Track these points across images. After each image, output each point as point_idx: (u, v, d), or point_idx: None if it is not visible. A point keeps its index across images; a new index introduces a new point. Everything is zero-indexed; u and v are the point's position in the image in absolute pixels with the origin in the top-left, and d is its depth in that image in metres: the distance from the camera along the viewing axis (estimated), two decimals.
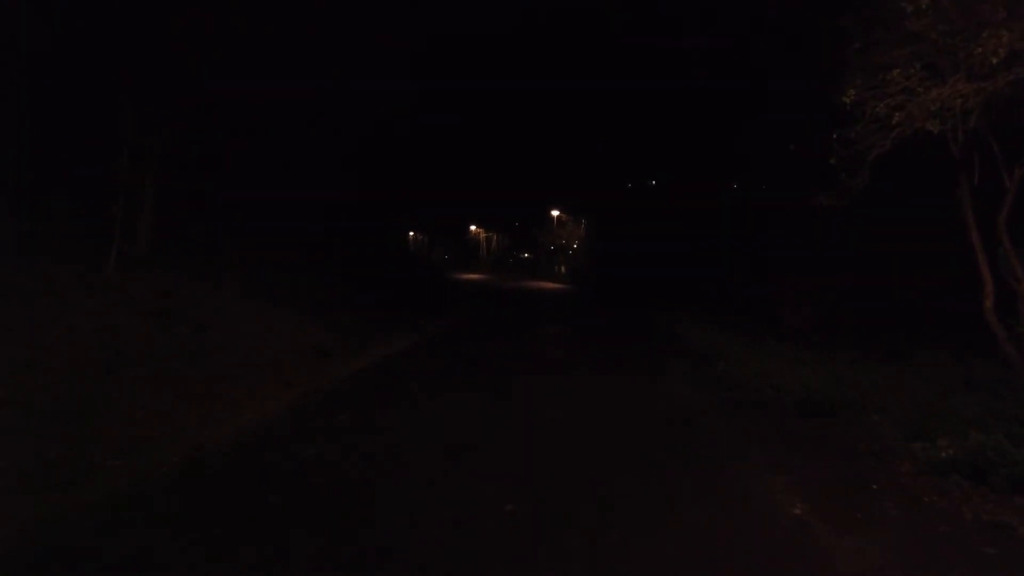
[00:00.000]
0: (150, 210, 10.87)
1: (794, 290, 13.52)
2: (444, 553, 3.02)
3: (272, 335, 10.61)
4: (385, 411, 5.83)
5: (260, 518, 3.32)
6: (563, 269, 46.87)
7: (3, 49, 8.70)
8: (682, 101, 20.54)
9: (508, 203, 55.86)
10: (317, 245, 19.44)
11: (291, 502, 3.53)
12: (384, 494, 3.70)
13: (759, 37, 13.90)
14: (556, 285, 40.33)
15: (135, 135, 9.80)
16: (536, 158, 47.69)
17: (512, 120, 52.33)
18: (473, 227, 71.09)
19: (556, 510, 3.52)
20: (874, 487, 4.02)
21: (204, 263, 12.08)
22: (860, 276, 12.12)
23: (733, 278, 17.37)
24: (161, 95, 10.15)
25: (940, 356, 7.77)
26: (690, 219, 22.65)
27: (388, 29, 19.03)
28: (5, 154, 9.34)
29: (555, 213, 46.59)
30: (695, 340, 11.15)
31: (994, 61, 5.19)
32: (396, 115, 26.27)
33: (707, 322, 14.10)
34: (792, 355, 8.91)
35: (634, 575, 2.87)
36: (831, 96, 6.43)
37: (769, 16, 12.48)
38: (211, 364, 7.53)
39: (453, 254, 75.73)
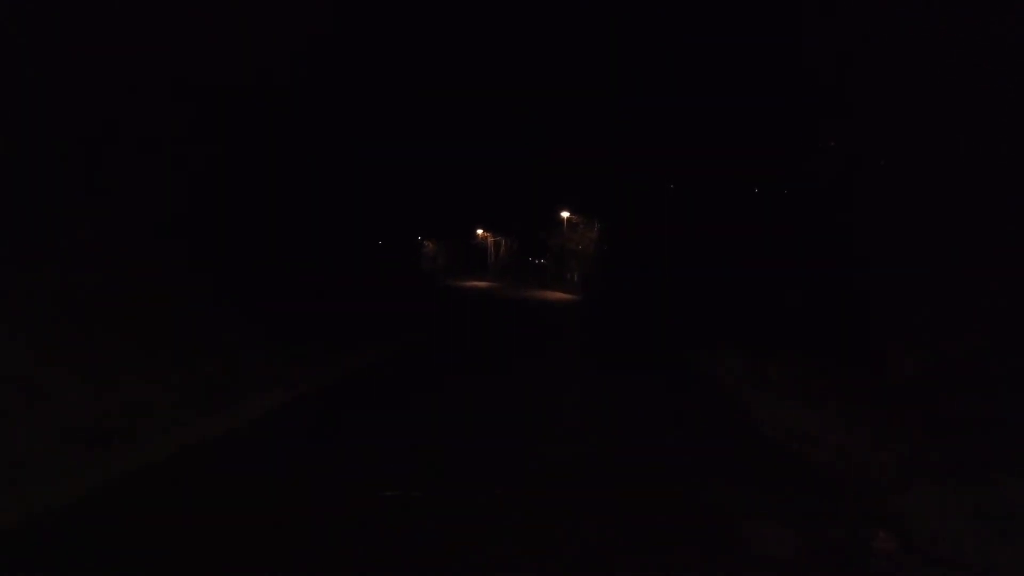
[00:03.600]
0: None
1: (911, 317, 8.96)
2: None
3: (36, 397, 6.21)
4: None
5: None
6: (575, 277, 42.21)
7: None
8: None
9: (516, 204, 51.52)
10: (239, 245, 15.15)
11: None
12: None
13: None
14: (564, 296, 35.67)
15: None
16: (545, 148, 43.32)
17: (517, 110, 48.09)
18: (480, 231, 66.57)
19: None
20: None
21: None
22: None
23: (802, 296, 12.81)
24: None
25: None
26: (735, 210, 18.05)
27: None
28: None
29: (565, 214, 41.90)
30: (776, 421, 6.36)
31: None
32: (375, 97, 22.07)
33: (771, 366, 9.49)
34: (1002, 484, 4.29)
35: None
36: None
37: None
38: None
39: (463, 260, 71.26)
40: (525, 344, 13.56)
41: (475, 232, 66.61)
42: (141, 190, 11.30)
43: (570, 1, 27.64)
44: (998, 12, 8.40)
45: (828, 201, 13.84)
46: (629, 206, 30.01)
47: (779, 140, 16.66)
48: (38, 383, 6.36)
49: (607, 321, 20.00)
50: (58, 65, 8.88)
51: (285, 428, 6.17)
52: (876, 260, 11.33)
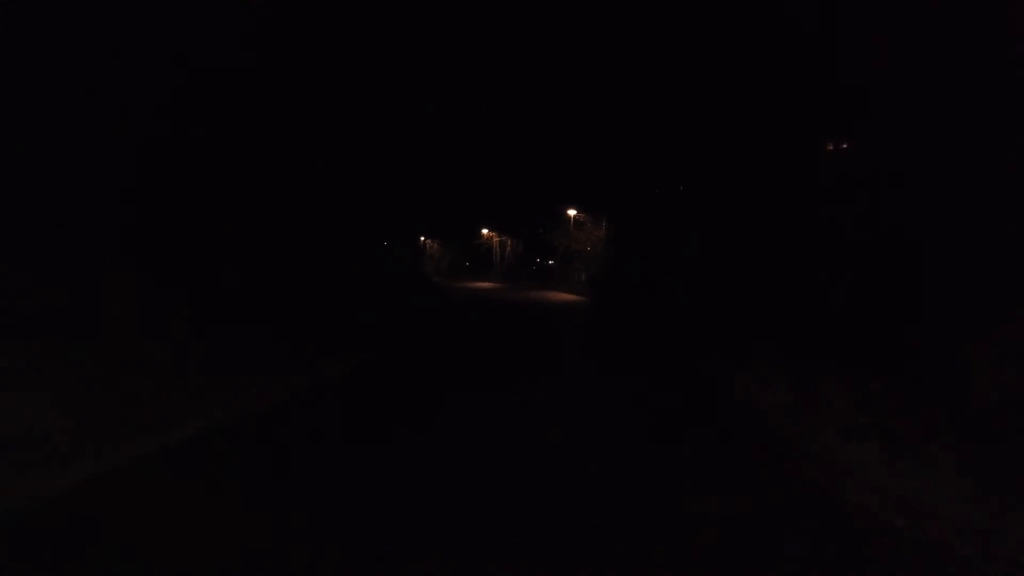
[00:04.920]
0: None
1: (996, 327, 6.99)
2: None
3: None
4: None
5: None
6: (582, 277, 40.25)
7: None
8: None
9: (522, 203, 49.62)
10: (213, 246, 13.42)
11: None
12: None
13: None
14: (571, 297, 33.71)
15: None
16: (551, 145, 41.49)
17: (523, 105, 46.30)
18: (485, 231, 64.65)
19: None
20: None
21: None
22: None
23: (845, 301, 10.84)
24: None
25: None
26: (759, 204, 16.11)
27: None
28: None
29: (572, 212, 39.92)
30: (859, 477, 4.09)
31: None
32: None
33: (826, 389, 7.52)
34: None
35: None
36: None
37: None
38: None
39: (468, 261, 69.33)
40: (523, 354, 11.56)
41: (480, 232, 64.73)
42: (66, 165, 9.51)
43: None
44: None
45: (875, 191, 11.90)
46: (638, 203, 28.12)
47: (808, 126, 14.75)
48: None
49: (617, 327, 18.01)
50: None
51: (170, 477, 4.30)
52: (944, 256, 9.36)
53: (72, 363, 6.51)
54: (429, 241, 64.01)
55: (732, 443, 5.71)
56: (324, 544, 3.31)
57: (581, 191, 37.90)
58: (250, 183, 15.44)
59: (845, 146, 14.92)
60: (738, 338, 12.31)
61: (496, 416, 6.41)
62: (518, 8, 30.75)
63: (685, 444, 5.56)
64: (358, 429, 5.83)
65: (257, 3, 14.89)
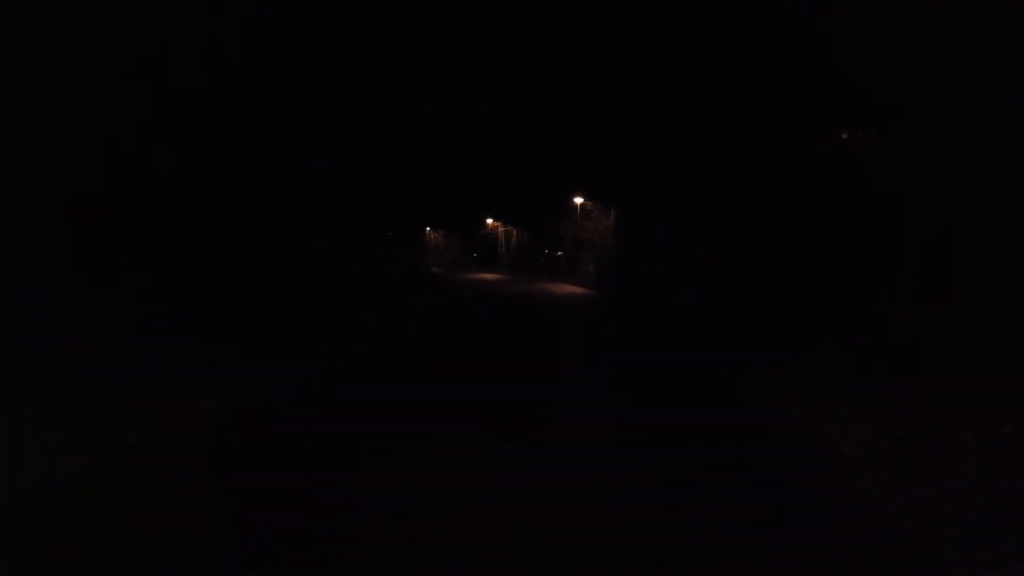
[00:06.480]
0: None
1: None
2: None
3: None
4: None
5: None
6: (591, 268, 38.24)
7: None
8: None
9: (528, 192, 47.63)
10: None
11: None
12: None
13: None
14: (577, 290, 31.76)
15: None
16: (557, 133, 39.50)
17: (528, 92, 44.22)
18: (489, 221, 62.63)
19: None
20: None
21: None
22: None
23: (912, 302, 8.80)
24: None
25: None
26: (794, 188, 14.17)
27: None
28: None
29: (578, 200, 37.82)
30: None
31: None
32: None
33: (927, 428, 5.51)
34: None
35: None
36: None
37: None
38: None
39: (472, 252, 67.40)
40: (517, 373, 9.51)
41: (484, 222, 62.71)
42: None
43: None
44: None
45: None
46: (648, 193, 26.13)
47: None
48: None
49: (627, 328, 15.99)
50: None
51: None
52: None
53: None
54: (434, 232, 62.10)
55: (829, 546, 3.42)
56: None
57: (588, 179, 35.95)
58: (240, 180, 13.81)
59: (859, 134, 13.22)
60: (765, 341, 10.36)
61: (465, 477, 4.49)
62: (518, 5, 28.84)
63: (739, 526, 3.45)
64: (231, 491, 3.95)
65: None
